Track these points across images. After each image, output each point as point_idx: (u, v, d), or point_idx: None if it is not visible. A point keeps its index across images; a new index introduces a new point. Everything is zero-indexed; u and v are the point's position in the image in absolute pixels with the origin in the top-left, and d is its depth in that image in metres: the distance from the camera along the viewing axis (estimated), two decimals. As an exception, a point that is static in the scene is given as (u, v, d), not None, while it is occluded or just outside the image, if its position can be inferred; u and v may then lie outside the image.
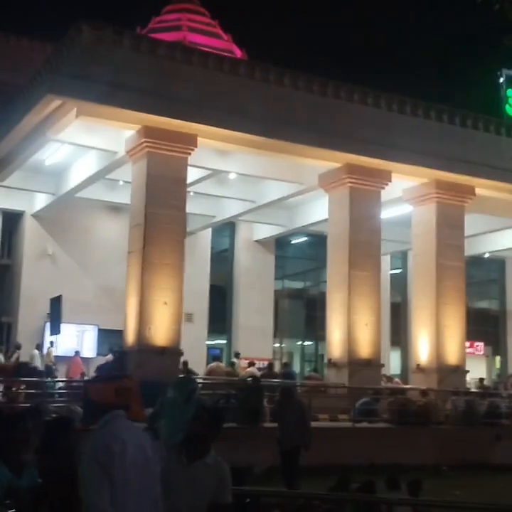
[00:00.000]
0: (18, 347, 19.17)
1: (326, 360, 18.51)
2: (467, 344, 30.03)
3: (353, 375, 16.92)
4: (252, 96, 16.41)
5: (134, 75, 14.76)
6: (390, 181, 18.08)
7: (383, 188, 18.17)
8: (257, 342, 25.36)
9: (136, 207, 15.76)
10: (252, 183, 21.24)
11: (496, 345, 31.32)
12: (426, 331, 18.63)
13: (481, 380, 21.17)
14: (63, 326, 21.56)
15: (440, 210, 18.79)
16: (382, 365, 17.97)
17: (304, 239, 27.08)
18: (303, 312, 27.68)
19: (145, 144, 15.24)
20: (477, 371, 29.88)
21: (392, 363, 25.89)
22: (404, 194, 19.53)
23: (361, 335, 17.32)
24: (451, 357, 18.35)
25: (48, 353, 19.35)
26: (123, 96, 14.53)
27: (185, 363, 16.55)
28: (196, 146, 15.72)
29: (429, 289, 18.62)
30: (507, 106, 20.66)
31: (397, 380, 18.47)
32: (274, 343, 26.60)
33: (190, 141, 15.59)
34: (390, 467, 9.52)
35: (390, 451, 12.02)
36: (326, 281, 28.22)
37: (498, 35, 14.21)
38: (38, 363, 18.81)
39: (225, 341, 26.53)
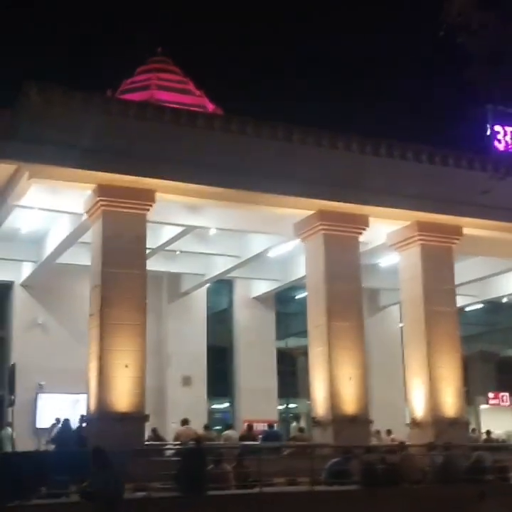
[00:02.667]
0: None
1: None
2: (491, 395, 28.76)
3: (338, 433, 15.80)
4: (214, 148, 16.07)
5: (86, 134, 14.53)
6: (367, 226, 17.30)
7: (360, 234, 17.40)
8: (261, 404, 24.31)
9: (94, 268, 15.30)
10: (235, 237, 20.76)
11: (512, 393, 29.54)
12: (420, 382, 17.42)
13: (488, 432, 19.65)
14: (57, 396, 21.16)
15: (425, 253, 17.87)
16: (371, 422, 16.74)
17: (305, 293, 26.25)
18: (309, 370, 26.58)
19: (100, 203, 14.91)
20: (503, 424, 28.21)
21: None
22: (389, 239, 18.72)
23: (345, 390, 16.25)
24: (449, 409, 17.04)
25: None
26: (75, 156, 14.31)
27: (155, 430, 15.68)
28: (154, 202, 15.32)
29: (420, 337, 17.53)
30: (495, 141, 19.80)
31: (393, 436, 17.16)
32: (279, 404, 25.46)
33: (147, 197, 15.21)
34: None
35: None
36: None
37: (461, 67, 13.70)
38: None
39: (227, 404, 25.53)
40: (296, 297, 26.13)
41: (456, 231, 18.07)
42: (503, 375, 30.68)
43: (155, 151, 15.21)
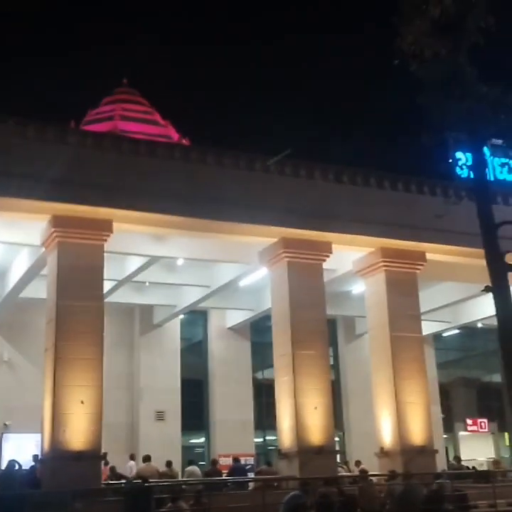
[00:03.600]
0: None
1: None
2: (470, 422, 28.42)
3: (304, 465, 15.47)
4: (174, 177, 16.04)
5: (42, 164, 14.46)
6: (331, 253, 17.23)
7: (324, 261, 17.31)
8: (237, 437, 23.93)
9: (49, 301, 15.09)
10: (204, 267, 20.67)
11: (501, 421, 29.21)
12: (387, 409, 17.17)
13: (458, 459, 19.35)
14: (23, 436, 20.56)
15: (390, 280, 17.78)
16: (337, 452, 16.44)
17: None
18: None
19: (55, 234, 14.77)
20: (482, 450, 27.85)
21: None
22: (354, 265, 18.64)
23: (311, 420, 15.96)
24: (416, 437, 16.76)
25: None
26: (30, 186, 14.22)
27: (113, 469, 15.29)
28: (111, 232, 15.20)
29: (386, 364, 17.33)
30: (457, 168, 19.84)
31: (363, 466, 16.82)
32: (256, 437, 25.04)
33: (104, 228, 15.08)
34: None
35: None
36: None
37: (413, 94, 13.76)
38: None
39: (203, 439, 25.10)
40: (269, 326, 26.00)
41: (420, 257, 18.02)
42: (484, 401, 30.41)
43: (112, 181, 15.14)
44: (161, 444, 21.99)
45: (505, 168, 20.22)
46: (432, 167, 15.61)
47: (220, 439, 24.19)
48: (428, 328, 27.39)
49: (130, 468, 17.84)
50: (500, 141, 15.46)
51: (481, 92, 13.61)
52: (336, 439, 25.70)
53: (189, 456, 22.78)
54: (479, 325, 27.58)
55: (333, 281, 20.21)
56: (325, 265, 18.80)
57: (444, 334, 28.80)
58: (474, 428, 28.26)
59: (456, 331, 28.88)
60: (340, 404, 26.12)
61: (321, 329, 16.84)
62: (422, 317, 25.49)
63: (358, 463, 18.19)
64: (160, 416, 23.56)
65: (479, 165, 13.80)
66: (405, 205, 17.97)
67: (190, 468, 16.42)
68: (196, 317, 25.52)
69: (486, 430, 28.41)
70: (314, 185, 17.35)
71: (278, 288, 17.32)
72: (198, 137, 21.28)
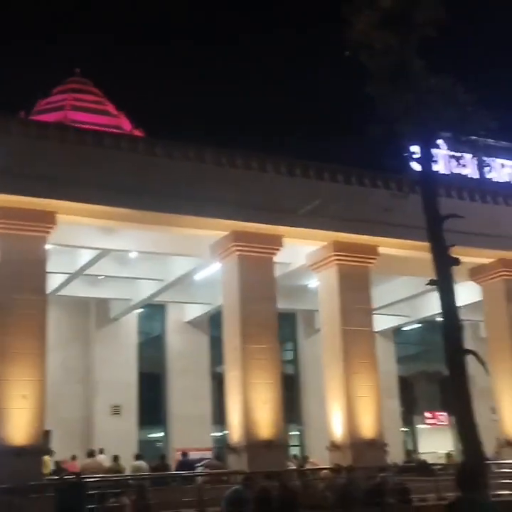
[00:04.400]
0: None
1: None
2: (428, 415, 28.58)
3: (253, 459, 15.35)
4: (122, 169, 15.77)
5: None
6: (281, 246, 17.10)
7: (274, 254, 17.17)
8: (195, 431, 23.73)
9: (-10, 295, 14.72)
10: (158, 261, 20.42)
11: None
12: (338, 403, 17.13)
13: (408, 453, 19.42)
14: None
15: (342, 273, 17.71)
16: (288, 446, 16.37)
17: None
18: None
19: (-4, 227, 14.42)
20: (441, 443, 28.02)
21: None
22: (307, 259, 18.55)
23: (260, 414, 15.86)
24: (366, 431, 16.76)
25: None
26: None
27: (58, 463, 15.00)
28: (55, 224, 14.88)
29: (337, 358, 17.29)
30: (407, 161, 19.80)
31: (312, 460, 16.77)
32: (214, 431, 24.89)
33: (47, 219, 14.76)
34: None
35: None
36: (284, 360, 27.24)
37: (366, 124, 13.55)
38: None
39: (161, 434, 24.88)
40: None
41: (372, 251, 17.97)
42: (444, 394, 30.57)
43: (57, 172, 14.82)
44: (117, 439, 21.71)
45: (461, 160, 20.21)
46: (384, 160, 15.48)
47: (178, 433, 24.00)
48: (388, 322, 27.55)
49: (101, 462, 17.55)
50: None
51: (429, 84, 13.56)
52: (296, 432, 25.82)
53: (147, 450, 22.58)
54: (439, 319, 27.64)
55: (290, 275, 20.13)
56: (280, 259, 18.72)
57: (405, 328, 28.88)
58: (433, 421, 28.38)
59: (417, 325, 28.97)
60: (300, 399, 26.11)
61: (272, 323, 16.72)
62: (381, 311, 25.72)
63: (306, 458, 18.13)
64: (116, 410, 23.29)
65: (425, 158, 13.76)
66: (358, 199, 17.90)
67: (136, 462, 16.22)
68: (154, 311, 25.25)
69: (445, 423, 28.55)
70: (266, 178, 17.20)
71: (228, 281, 17.16)
72: (154, 129, 21.01)
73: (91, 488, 13.02)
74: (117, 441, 21.40)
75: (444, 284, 13.15)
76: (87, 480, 13.66)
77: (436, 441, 27.94)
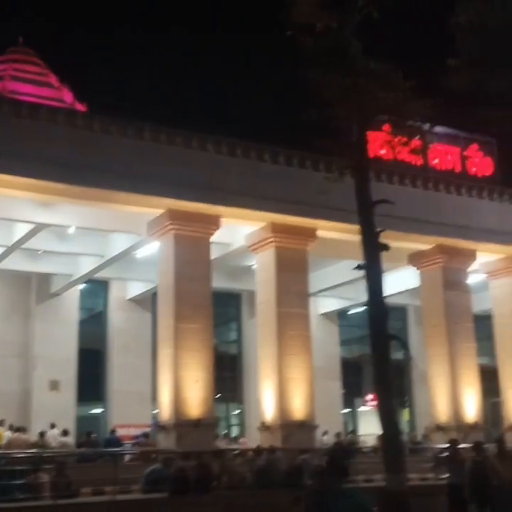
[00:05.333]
0: None
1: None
2: (370, 397, 29.00)
3: (181, 438, 15.39)
4: (58, 142, 15.43)
5: None
6: (219, 226, 17.03)
7: (212, 234, 17.10)
8: (134, 408, 23.69)
9: None
10: (98, 236, 20.15)
11: (402, 398, 29.96)
12: (270, 384, 17.26)
13: (338, 434, 19.73)
14: None
15: (279, 255, 17.74)
16: (216, 425, 16.45)
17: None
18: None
19: None
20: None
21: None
22: (246, 240, 18.52)
23: (191, 393, 15.87)
24: (297, 412, 16.94)
25: None
26: None
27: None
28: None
29: (271, 339, 17.38)
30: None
31: (242, 439, 16.90)
32: (153, 409, 24.88)
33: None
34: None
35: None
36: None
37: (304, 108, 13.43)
38: None
39: (101, 409, 24.77)
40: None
41: (310, 233, 18.03)
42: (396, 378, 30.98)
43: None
44: (55, 414, 21.48)
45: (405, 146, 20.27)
46: (321, 143, 15.41)
47: (117, 409, 23.93)
48: (332, 305, 27.81)
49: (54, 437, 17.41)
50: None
51: (368, 68, 13.52)
52: (237, 411, 25.98)
53: (86, 426, 22.47)
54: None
55: (234, 255, 20.12)
56: (221, 239, 18.69)
57: (350, 312, 29.14)
58: (374, 403, 28.75)
59: (362, 308, 29.21)
60: (242, 378, 26.25)
61: (206, 303, 16.69)
62: (325, 294, 25.95)
63: (236, 438, 18.26)
64: (54, 385, 23.10)
65: (359, 141, 13.78)
66: (298, 181, 17.86)
67: (62, 439, 16.10)
68: (97, 287, 25.00)
69: (386, 406, 28.96)
70: (206, 158, 17.05)
71: (164, 260, 17.05)
72: (98, 104, 20.62)
73: (14, 464, 12.91)
74: (55, 416, 21.17)
75: (371, 269, 13.26)
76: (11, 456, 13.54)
77: (376, 423, 28.34)
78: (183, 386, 15.90)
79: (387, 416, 12.27)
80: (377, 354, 12.78)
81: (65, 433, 16.70)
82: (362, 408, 28.91)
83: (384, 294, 13.03)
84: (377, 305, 13.04)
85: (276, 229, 17.67)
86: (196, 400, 15.87)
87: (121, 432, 22.41)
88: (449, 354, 19.51)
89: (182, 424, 15.56)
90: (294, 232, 17.74)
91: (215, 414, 16.48)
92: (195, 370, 16.06)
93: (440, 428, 19.27)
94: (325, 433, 20.54)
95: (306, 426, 16.86)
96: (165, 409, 16.10)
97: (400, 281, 23.83)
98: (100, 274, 22.56)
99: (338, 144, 14.44)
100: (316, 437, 17.35)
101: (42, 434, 15.97)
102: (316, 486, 5.62)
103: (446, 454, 13.28)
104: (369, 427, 27.69)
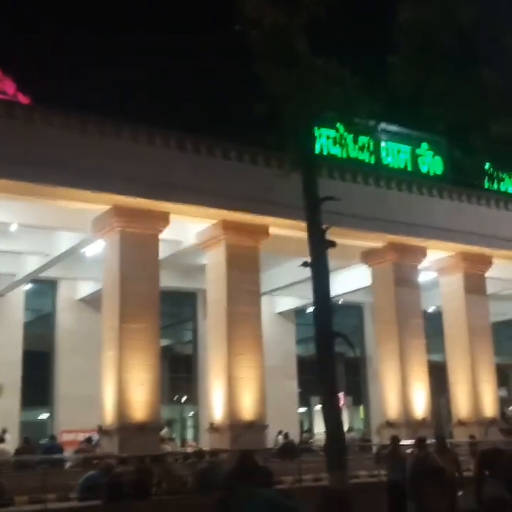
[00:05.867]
0: None
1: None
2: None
3: (124, 442, 14.85)
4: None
5: None
6: (167, 223, 16.55)
7: (160, 232, 16.61)
8: (83, 412, 22.89)
9: None
10: (42, 235, 19.45)
11: (357, 395, 29.91)
12: (220, 384, 16.85)
13: (286, 435, 19.51)
14: None
15: (230, 253, 17.34)
16: (162, 429, 15.96)
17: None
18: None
19: None
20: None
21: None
22: (197, 238, 18.08)
23: (135, 396, 15.36)
24: (246, 412, 16.57)
25: None
26: None
27: None
28: None
29: (222, 338, 16.97)
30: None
31: (190, 442, 16.46)
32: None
33: None
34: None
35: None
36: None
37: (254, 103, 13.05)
38: None
39: (47, 414, 24.01)
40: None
41: (262, 231, 17.69)
42: (349, 376, 30.87)
43: None
44: (-2, 419, 20.82)
45: (358, 144, 20.09)
46: (269, 139, 15.06)
47: (65, 414, 23.22)
48: (288, 303, 27.58)
49: None
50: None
51: (315, 64, 13.29)
52: (192, 413, 25.50)
53: (31, 432, 21.71)
54: (340, 301, 27.98)
55: (187, 253, 19.67)
56: (172, 237, 18.23)
57: (308, 310, 28.92)
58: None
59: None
60: (197, 379, 25.83)
61: (154, 303, 16.20)
62: (281, 292, 25.67)
63: (184, 441, 17.82)
64: (-3, 390, 22.27)
65: (306, 137, 13.51)
66: (250, 177, 17.50)
67: (-1, 446, 15.43)
68: (44, 287, 24.27)
69: (342, 403, 28.86)
70: (154, 153, 16.55)
71: (109, 258, 16.51)
72: (44, 96, 19.93)
73: None
74: (-1, 421, 20.51)
75: (317, 267, 12.99)
76: None
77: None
78: (127, 389, 15.39)
79: (332, 414, 12.01)
80: (322, 352, 12.50)
81: (0, 440, 16.02)
82: (318, 406, 28.73)
83: (330, 292, 12.78)
84: (323, 302, 12.77)
85: (227, 226, 17.27)
86: (141, 403, 15.37)
87: (68, 438, 21.88)
88: (399, 350, 19.43)
89: (126, 428, 15.04)
90: (245, 229, 17.37)
91: (160, 417, 15.98)
92: (140, 372, 15.56)
93: (390, 424, 19.16)
94: (280, 433, 20.26)
95: (256, 426, 16.50)
96: (108, 413, 15.55)
97: (355, 279, 23.74)
98: (48, 274, 21.89)
99: (285, 140, 14.15)
100: (266, 437, 16.99)
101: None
102: (222, 493, 5.24)
103: (386, 451, 13.12)
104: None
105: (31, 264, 21.04)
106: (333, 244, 13.16)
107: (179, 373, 27.16)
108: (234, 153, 17.72)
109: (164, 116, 19.59)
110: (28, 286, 23.36)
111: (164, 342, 26.74)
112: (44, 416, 23.97)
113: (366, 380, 29.99)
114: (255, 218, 17.48)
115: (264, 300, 26.58)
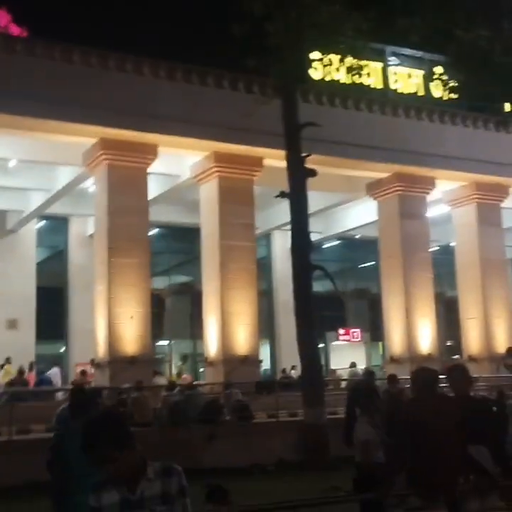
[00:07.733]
0: None
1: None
2: (342, 331, 28.60)
3: (115, 375, 14.97)
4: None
5: None
6: (156, 156, 16.15)
7: (148, 165, 16.24)
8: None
9: None
10: (43, 170, 19.34)
11: (374, 331, 29.54)
12: (213, 318, 16.75)
13: (283, 370, 19.37)
14: None
15: (223, 186, 16.91)
16: (153, 361, 16.03)
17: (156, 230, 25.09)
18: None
19: None
20: (355, 359, 28.14)
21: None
22: (191, 171, 17.67)
23: (125, 329, 15.40)
24: (241, 347, 16.47)
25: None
26: None
27: None
28: None
29: (215, 272, 16.75)
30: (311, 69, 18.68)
31: (184, 376, 16.52)
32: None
33: None
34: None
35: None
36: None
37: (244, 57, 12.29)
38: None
39: (63, 348, 24.50)
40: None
41: (256, 163, 17.13)
42: (373, 312, 30.47)
43: None
44: (13, 353, 21.27)
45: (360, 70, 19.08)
46: (248, 62, 14.21)
47: (78, 348, 23.62)
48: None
49: None
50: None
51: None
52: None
53: (46, 365, 22.24)
54: (357, 236, 27.43)
55: (182, 187, 19.31)
56: (168, 171, 17.89)
57: (324, 245, 28.44)
58: (346, 338, 28.40)
59: (336, 242, 28.60)
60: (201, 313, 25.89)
61: (143, 237, 16.02)
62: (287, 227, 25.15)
63: (179, 375, 17.91)
64: (12, 324, 22.75)
65: (287, 61, 12.82)
66: (243, 107, 16.80)
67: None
68: (56, 224, 24.37)
69: (359, 340, 28.61)
70: (141, 82, 16.04)
71: (99, 192, 16.30)
72: (39, 27, 19.39)
73: None
74: (14, 355, 20.95)
75: (296, 197, 12.53)
76: None
77: (349, 357, 28.07)
78: (118, 323, 15.39)
79: (308, 349, 11.79)
80: (299, 284, 12.18)
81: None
82: (335, 342, 28.55)
83: (308, 224, 12.33)
84: (301, 234, 12.37)
85: (220, 158, 16.77)
86: (132, 336, 15.41)
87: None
88: (404, 285, 18.89)
89: (116, 361, 15.14)
90: (238, 161, 16.84)
91: (152, 351, 16.03)
92: (130, 306, 15.54)
93: (394, 360, 18.84)
94: (293, 367, 20.13)
95: (250, 360, 16.41)
96: (101, 346, 15.67)
97: (366, 213, 23.04)
98: (59, 211, 21.99)
99: (267, 63, 13.46)
100: (260, 371, 16.92)
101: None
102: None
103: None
104: (341, 362, 27.45)
105: (36, 201, 21.05)
106: (313, 173, 12.64)
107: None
108: (227, 81, 17.06)
109: (153, 44, 18.83)
110: (40, 223, 23.49)
111: (182, 279, 26.86)
112: (61, 349, 24.46)
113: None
114: (249, 149, 16.91)
115: (277, 235, 26.28)
